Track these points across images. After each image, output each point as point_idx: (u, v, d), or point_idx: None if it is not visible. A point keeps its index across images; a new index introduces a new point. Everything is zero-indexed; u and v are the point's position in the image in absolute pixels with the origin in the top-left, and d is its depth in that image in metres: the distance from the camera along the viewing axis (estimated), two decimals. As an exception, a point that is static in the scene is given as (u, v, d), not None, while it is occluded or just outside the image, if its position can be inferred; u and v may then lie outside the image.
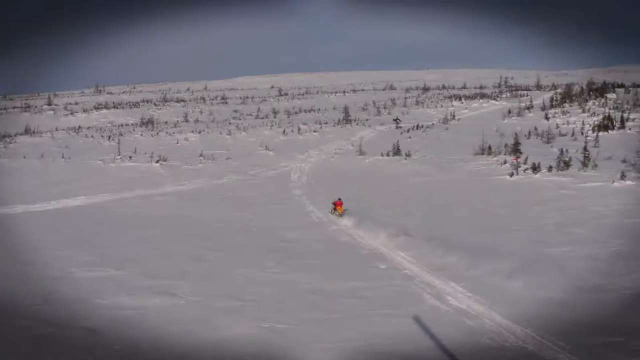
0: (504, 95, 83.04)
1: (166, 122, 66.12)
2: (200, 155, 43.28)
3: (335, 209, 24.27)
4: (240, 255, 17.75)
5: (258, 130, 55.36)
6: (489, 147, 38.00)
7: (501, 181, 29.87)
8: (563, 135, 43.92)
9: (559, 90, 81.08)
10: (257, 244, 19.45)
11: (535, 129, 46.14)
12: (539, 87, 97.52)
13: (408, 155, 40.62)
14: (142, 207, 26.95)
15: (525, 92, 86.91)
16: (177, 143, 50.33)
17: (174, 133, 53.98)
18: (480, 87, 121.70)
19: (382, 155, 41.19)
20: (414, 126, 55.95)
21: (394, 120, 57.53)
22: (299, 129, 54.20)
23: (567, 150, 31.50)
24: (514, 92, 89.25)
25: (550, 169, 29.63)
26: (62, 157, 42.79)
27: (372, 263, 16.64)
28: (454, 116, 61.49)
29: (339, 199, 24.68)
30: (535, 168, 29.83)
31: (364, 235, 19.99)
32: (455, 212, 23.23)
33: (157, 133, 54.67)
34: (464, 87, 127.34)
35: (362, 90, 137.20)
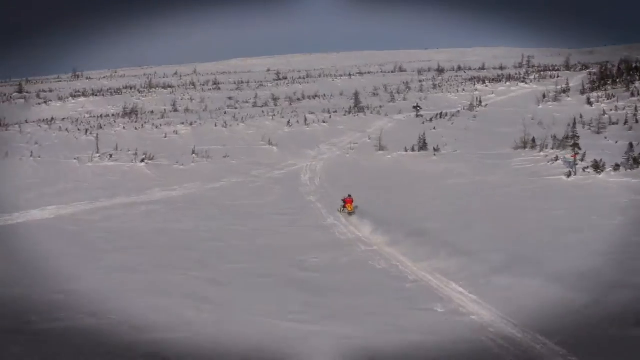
0: (531, 77, 79.72)
1: (152, 112, 62.96)
2: (193, 152, 40.15)
3: (344, 207, 23.94)
4: (251, 292, 14.63)
5: (258, 121, 52.17)
6: (533, 140, 34.77)
7: (557, 183, 26.74)
8: (614, 123, 40.71)
9: (592, 70, 77.93)
10: (271, 272, 16.35)
11: (581, 116, 42.88)
12: (567, 67, 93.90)
13: (437, 150, 37.51)
14: (124, 221, 23.82)
15: (554, 72, 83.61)
16: (166, 137, 47.17)
17: (161, 125, 50.77)
18: (501, 68, 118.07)
19: (406, 151, 38.14)
20: (436, 114, 52.85)
21: (414, 107, 54.35)
22: (306, 120, 51.00)
23: (636, 144, 28.23)
24: (541, 73, 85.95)
25: (616, 167, 26.44)
26: (31, 155, 39.53)
27: (425, 304, 13.52)
28: (480, 102, 58.45)
29: (349, 196, 24.42)
30: (598, 167, 26.65)
31: (406, 261, 16.86)
32: (524, 227, 19.91)
33: (142, 125, 51.45)
34: (483, 68, 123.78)
35: (369, 72, 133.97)
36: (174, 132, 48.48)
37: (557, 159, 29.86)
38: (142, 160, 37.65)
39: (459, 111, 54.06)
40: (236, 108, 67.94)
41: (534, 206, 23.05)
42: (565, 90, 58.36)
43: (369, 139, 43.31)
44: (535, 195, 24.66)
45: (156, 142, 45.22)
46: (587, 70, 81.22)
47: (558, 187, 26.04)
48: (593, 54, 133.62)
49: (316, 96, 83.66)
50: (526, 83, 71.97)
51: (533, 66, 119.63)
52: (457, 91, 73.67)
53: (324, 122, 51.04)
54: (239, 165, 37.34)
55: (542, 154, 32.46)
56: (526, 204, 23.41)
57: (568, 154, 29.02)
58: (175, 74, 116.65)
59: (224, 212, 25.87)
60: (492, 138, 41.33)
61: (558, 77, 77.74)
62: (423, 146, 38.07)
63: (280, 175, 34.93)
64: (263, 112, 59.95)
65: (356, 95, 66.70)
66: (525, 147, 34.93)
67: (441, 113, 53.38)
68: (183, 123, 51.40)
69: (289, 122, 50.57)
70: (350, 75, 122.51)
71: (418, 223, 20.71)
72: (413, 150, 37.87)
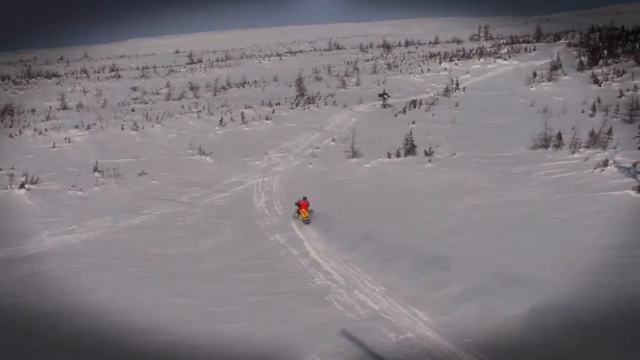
0: (503, 51, 77.05)
1: (33, 111, 54.48)
2: (95, 169, 33.11)
3: (299, 212, 23.74)
4: None
5: (179, 121, 45.55)
6: (559, 136, 30.41)
7: (626, 202, 22.20)
8: (643, 107, 37.24)
9: (571, 41, 76.29)
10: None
11: (598, 100, 39.27)
12: (539, 37, 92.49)
13: (429, 154, 32.47)
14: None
15: (526, 45, 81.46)
16: (54, 147, 39.65)
17: (47, 130, 42.97)
18: (457, 42, 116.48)
19: (389, 156, 32.89)
20: (408, 103, 48.12)
21: (380, 95, 49.25)
22: (243, 116, 44.76)
23: None
24: (513, 46, 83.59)
25: (697, 176, 22.28)
26: None
27: None
28: (457, 85, 54.18)
29: (304, 198, 24.24)
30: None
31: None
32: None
33: (20, 131, 43.42)
34: (437, 42, 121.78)
35: (301, 51, 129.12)
36: (66, 139, 41.00)
37: (606, 163, 25.39)
38: (22, 186, 30.28)
39: (437, 98, 49.49)
40: (146, 102, 60.54)
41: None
42: (557, 67, 55.25)
43: (333, 140, 37.85)
44: (614, 228, 19.84)
45: (41, 156, 37.74)
46: (564, 41, 79.68)
47: (629, 207, 21.48)
48: (551, 21, 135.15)
49: (245, 83, 77.41)
50: (504, 59, 68.72)
51: (492, 38, 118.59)
52: (422, 71, 69.66)
53: (267, 118, 45.08)
54: (163, 187, 30.84)
55: (576, 155, 28.02)
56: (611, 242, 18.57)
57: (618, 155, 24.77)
58: (61, 59, 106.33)
59: (152, 272, 19.57)
60: (492, 133, 37.06)
61: (534, 49, 75.44)
62: (410, 149, 32.95)
63: (224, 200, 28.74)
64: (183, 107, 53.14)
65: (299, 81, 61.04)
66: (547, 146, 30.49)
67: (414, 101, 48.81)
68: (77, 126, 43.92)
69: (221, 120, 44.22)
70: (280, 55, 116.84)
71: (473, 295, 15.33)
72: (398, 155, 32.72)
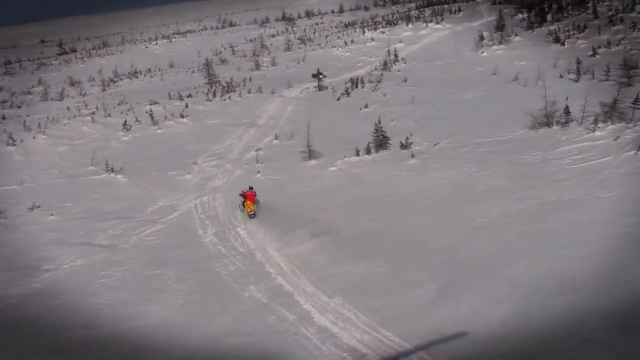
0: (426, 15, 73.77)
1: None
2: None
3: (244, 204, 22.18)
4: None
5: (68, 127, 39.01)
6: (566, 110, 26.27)
7: None
8: (633, 67, 33.96)
9: None
10: None
11: (578, 62, 35.86)
12: None
13: (406, 146, 27.51)
14: None
15: (446, 5, 78.66)
16: None
17: None
18: (365, 8, 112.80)
19: (358, 154, 27.59)
20: (348, 83, 43.15)
21: (314, 76, 43.83)
22: (151, 115, 38.02)
23: None
24: (435, 8, 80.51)
25: None
26: None
27: None
28: (396, 56, 49.80)
29: (250, 188, 22.83)
30: None
31: None
32: None
33: None
34: (342, 11, 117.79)
35: (190, 31, 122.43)
36: None
37: (647, 142, 21.34)
38: None
39: (381, 74, 44.84)
40: (19, 106, 51.91)
41: None
42: (501, 27, 52.03)
43: (277, 138, 32.16)
44: None
45: None
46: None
47: None
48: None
49: (136, 73, 69.81)
50: (437, 23, 65.17)
51: (398, 2, 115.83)
52: (345, 44, 65.00)
53: (182, 116, 38.66)
54: (66, 225, 24.08)
55: (598, 133, 23.92)
56: None
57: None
58: None
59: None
60: (465, 112, 32.88)
61: (459, 10, 72.60)
62: (381, 143, 27.80)
63: (158, 236, 22.39)
64: (68, 109, 45.60)
65: (208, 65, 54.59)
66: (549, 124, 26.31)
67: (355, 80, 43.79)
68: None
69: (124, 123, 37.22)
70: (168, 38, 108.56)
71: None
72: (368, 151, 27.49)
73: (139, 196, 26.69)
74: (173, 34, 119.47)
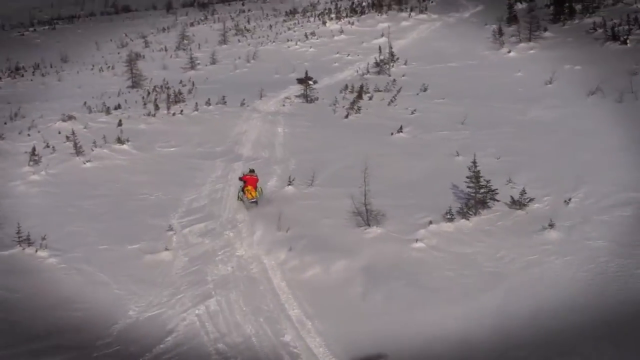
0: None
1: None
2: None
3: (243, 190, 21.41)
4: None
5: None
6: None
7: None
8: None
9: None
10: None
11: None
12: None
13: (520, 203, 18.87)
14: None
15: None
16: None
17: None
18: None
19: (451, 218, 18.69)
20: (345, 91, 35.32)
21: (301, 81, 34.90)
22: (75, 144, 27.48)
23: None
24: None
25: None
26: None
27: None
28: (392, 55, 41.73)
29: (251, 171, 22.24)
30: None
31: None
32: None
33: None
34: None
35: (76, 17, 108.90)
36: None
37: None
38: None
39: (392, 82, 36.50)
40: None
41: None
42: (512, 18, 47.36)
43: (291, 182, 22.84)
44: None
45: None
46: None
47: None
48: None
49: (19, 70, 58.08)
50: (421, 12, 57.85)
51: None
52: (306, 37, 56.43)
53: (120, 141, 28.57)
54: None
55: None
56: None
57: None
58: None
59: None
60: (565, 142, 24.62)
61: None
62: (484, 199, 19.00)
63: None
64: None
65: (131, 60, 44.49)
66: None
67: (352, 88, 35.65)
68: None
69: (33, 153, 26.67)
70: (51, 24, 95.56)
71: None
72: (464, 214, 18.58)
73: (87, 300, 16.45)
74: (52, 19, 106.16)
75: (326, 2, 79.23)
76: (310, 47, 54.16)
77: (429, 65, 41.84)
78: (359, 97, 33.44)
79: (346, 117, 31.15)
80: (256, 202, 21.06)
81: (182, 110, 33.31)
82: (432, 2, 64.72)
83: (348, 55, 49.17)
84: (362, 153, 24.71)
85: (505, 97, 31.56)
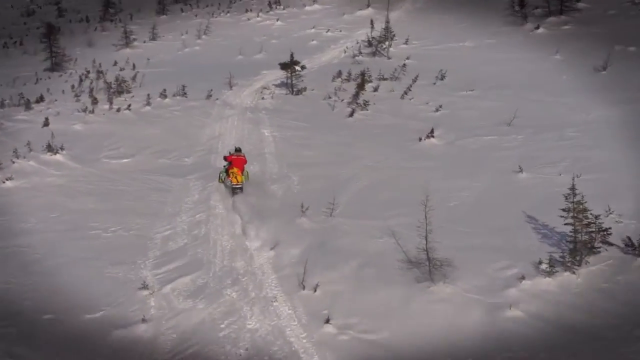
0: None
1: None
2: None
3: (227, 172, 21.37)
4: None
5: None
6: None
7: None
8: None
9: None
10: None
11: None
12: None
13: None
14: None
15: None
16: None
17: None
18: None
19: (550, 270, 15.53)
20: (340, 80, 32.56)
21: (287, 66, 31.50)
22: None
23: None
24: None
25: None
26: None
27: None
28: (389, 32, 38.90)
29: (238, 150, 22.09)
30: None
31: None
32: None
33: None
34: None
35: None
36: None
37: None
38: None
39: (401, 71, 33.34)
40: None
41: None
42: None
43: (304, 211, 19.30)
44: None
45: None
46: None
47: None
48: None
49: None
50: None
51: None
52: (270, 7, 53.15)
53: (50, 149, 24.70)
54: None
55: None
56: None
57: None
58: None
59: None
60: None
61: None
62: (591, 243, 15.90)
63: None
64: None
65: (50, 31, 40.79)
66: None
67: (347, 76, 32.42)
68: None
69: None
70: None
71: None
72: (547, 267, 15.58)
73: None
74: None
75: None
76: (277, 20, 50.72)
77: (436, 44, 39.04)
78: (361, 87, 29.94)
79: (351, 115, 27.65)
80: (241, 188, 20.71)
81: (129, 105, 29.34)
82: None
83: (327, 30, 46.00)
84: (386, 167, 21.73)
85: (550, 89, 28.74)
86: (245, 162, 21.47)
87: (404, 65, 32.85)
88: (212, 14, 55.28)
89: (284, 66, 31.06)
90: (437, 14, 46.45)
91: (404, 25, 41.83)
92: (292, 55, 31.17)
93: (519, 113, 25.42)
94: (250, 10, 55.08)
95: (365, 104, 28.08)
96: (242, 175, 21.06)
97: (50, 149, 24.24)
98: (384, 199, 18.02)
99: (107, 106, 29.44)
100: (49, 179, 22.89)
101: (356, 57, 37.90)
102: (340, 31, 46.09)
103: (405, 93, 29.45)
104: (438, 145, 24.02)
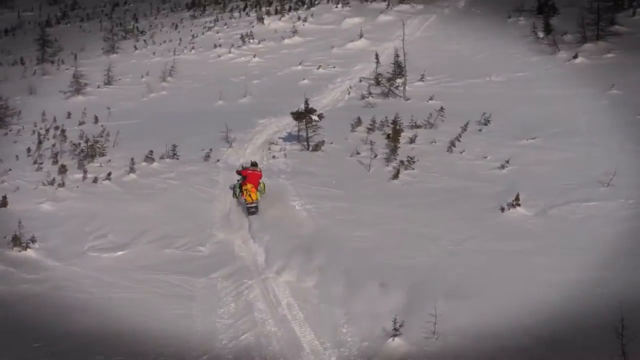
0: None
1: None
2: None
3: (241, 187, 21.30)
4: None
5: None
6: None
7: None
8: None
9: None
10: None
11: None
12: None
13: None
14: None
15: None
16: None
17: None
18: None
19: None
20: (366, 129, 28.66)
21: (299, 117, 27.60)
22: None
23: None
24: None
25: None
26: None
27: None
28: (398, 66, 35.68)
29: (254, 164, 22.13)
30: None
31: None
32: None
33: None
34: None
35: None
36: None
37: None
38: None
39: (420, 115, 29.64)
40: None
41: None
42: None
43: (398, 327, 14.56)
44: None
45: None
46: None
47: None
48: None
49: None
50: (403, 2, 52.76)
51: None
52: (243, 40, 49.60)
53: (22, 242, 19.55)
54: None
55: None
56: None
57: None
58: None
59: None
60: None
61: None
62: None
63: None
64: None
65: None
66: None
67: (373, 125, 28.47)
68: None
69: None
70: None
71: None
72: None
73: None
74: None
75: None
76: (254, 56, 46.43)
77: (456, 80, 35.73)
78: (396, 139, 25.42)
79: (395, 176, 23.30)
80: (256, 207, 20.55)
81: (109, 174, 24.43)
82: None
83: (318, 67, 41.95)
84: (472, 250, 18.13)
85: (630, 133, 24.60)
86: (261, 176, 21.40)
87: (442, 109, 28.25)
88: (174, 51, 50.46)
89: (298, 116, 26.55)
90: (447, 42, 43.40)
91: (411, 58, 37.70)
92: (306, 102, 26.66)
93: (610, 167, 21.15)
94: (219, 45, 50.71)
95: (410, 161, 23.50)
96: (257, 191, 20.74)
97: (17, 242, 18.92)
98: (493, 309, 13.63)
99: (79, 175, 24.53)
100: (22, 286, 17.65)
101: (366, 99, 33.98)
102: (334, 67, 42.22)
103: (453, 144, 24.92)
104: (528, 217, 19.54)
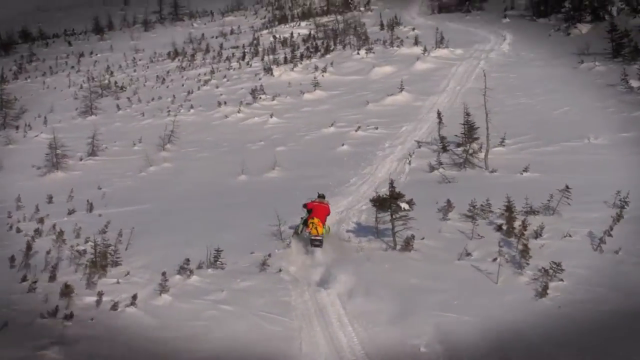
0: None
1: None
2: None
3: (306, 222, 21.47)
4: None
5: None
6: None
7: None
8: None
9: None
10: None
11: None
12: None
13: None
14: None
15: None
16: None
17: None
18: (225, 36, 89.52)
19: None
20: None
21: (384, 204, 21.77)
22: None
23: None
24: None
25: None
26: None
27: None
28: (469, 131, 30.61)
29: (321, 197, 22.82)
30: None
31: None
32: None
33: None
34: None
35: None
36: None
37: None
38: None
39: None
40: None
41: None
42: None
43: None
44: None
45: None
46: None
47: None
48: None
49: None
50: (440, 47, 51.01)
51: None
52: (254, 97, 44.91)
53: None
54: None
55: None
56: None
57: None
58: None
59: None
60: None
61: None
62: None
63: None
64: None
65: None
66: None
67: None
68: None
69: None
70: None
71: None
72: None
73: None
74: None
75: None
76: (271, 116, 41.05)
77: (545, 144, 31.55)
78: (521, 232, 19.77)
79: (542, 293, 17.61)
80: (321, 242, 20.71)
81: (134, 297, 18.31)
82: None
83: (357, 129, 36.60)
84: None
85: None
86: (329, 212, 21.58)
87: (567, 187, 22.53)
88: (167, 110, 44.99)
89: (381, 203, 20.76)
90: (512, 95, 38.84)
91: (475, 116, 32.46)
92: (391, 184, 20.92)
93: None
94: (224, 102, 45.38)
95: (557, 268, 17.75)
96: (323, 227, 20.56)
97: None
98: None
99: (91, 298, 18.29)
100: None
101: (437, 171, 28.13)
102: (377, 128, 37.34)
103: (602, 241, 19.15)
104: None
